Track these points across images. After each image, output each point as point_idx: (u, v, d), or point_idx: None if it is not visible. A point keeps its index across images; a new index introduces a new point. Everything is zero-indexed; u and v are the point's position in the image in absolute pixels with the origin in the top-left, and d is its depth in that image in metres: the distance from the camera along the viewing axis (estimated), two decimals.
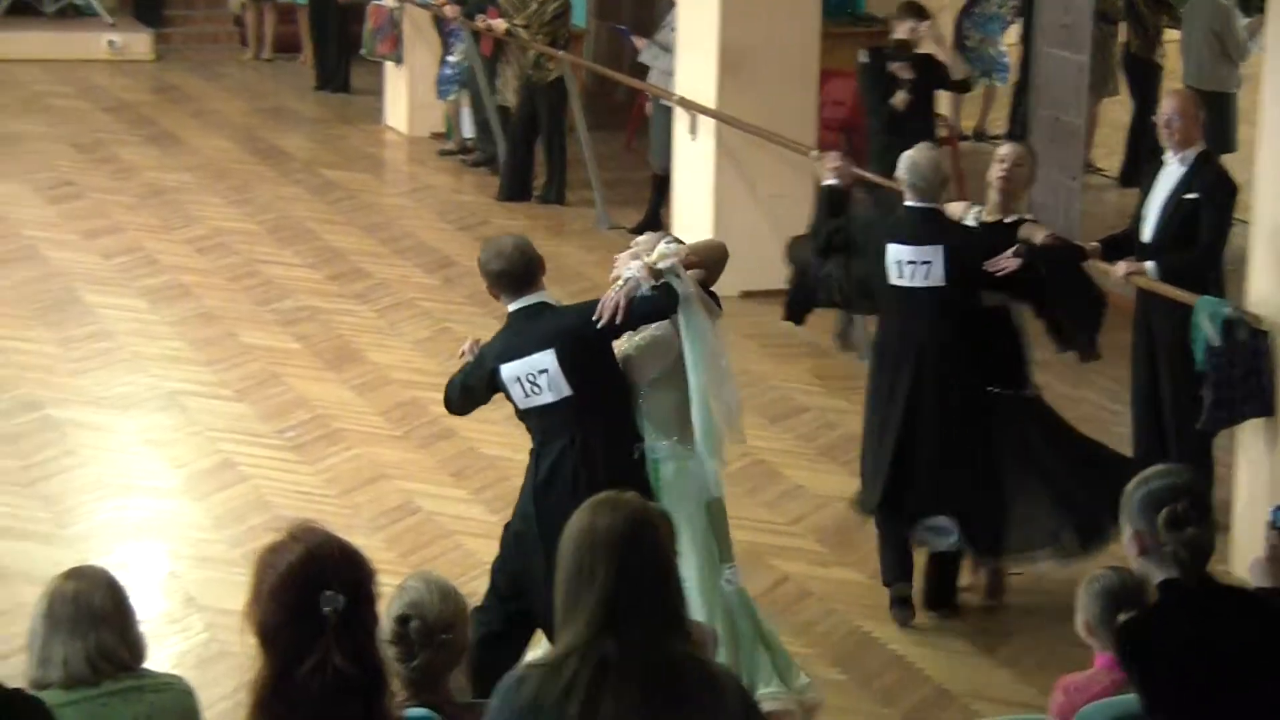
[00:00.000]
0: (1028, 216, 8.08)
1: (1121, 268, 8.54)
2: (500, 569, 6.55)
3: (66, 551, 8.05)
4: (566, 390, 6.23)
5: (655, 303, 6.30)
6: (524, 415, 6.39)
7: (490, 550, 8.16)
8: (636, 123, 15.15)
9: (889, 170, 8.83)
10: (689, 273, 6.40)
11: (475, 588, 7.70)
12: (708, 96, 11.82)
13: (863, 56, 11.13)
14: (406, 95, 15.98)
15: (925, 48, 11.06)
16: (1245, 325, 8.04)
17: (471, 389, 6.52)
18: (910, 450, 7.45)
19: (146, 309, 11.38)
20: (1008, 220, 7.93)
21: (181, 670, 6.30)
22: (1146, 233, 8.60)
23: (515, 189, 14.12)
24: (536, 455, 6.41)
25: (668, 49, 12.95)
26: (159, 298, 11.51)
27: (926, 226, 7.50)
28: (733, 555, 6.74)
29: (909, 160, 7.55)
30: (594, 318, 6.22)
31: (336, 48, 17.58)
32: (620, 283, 6.26)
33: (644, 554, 3.75)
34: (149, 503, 8.73)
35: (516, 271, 6.28)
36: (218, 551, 8.19)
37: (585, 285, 11.98)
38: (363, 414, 9.86)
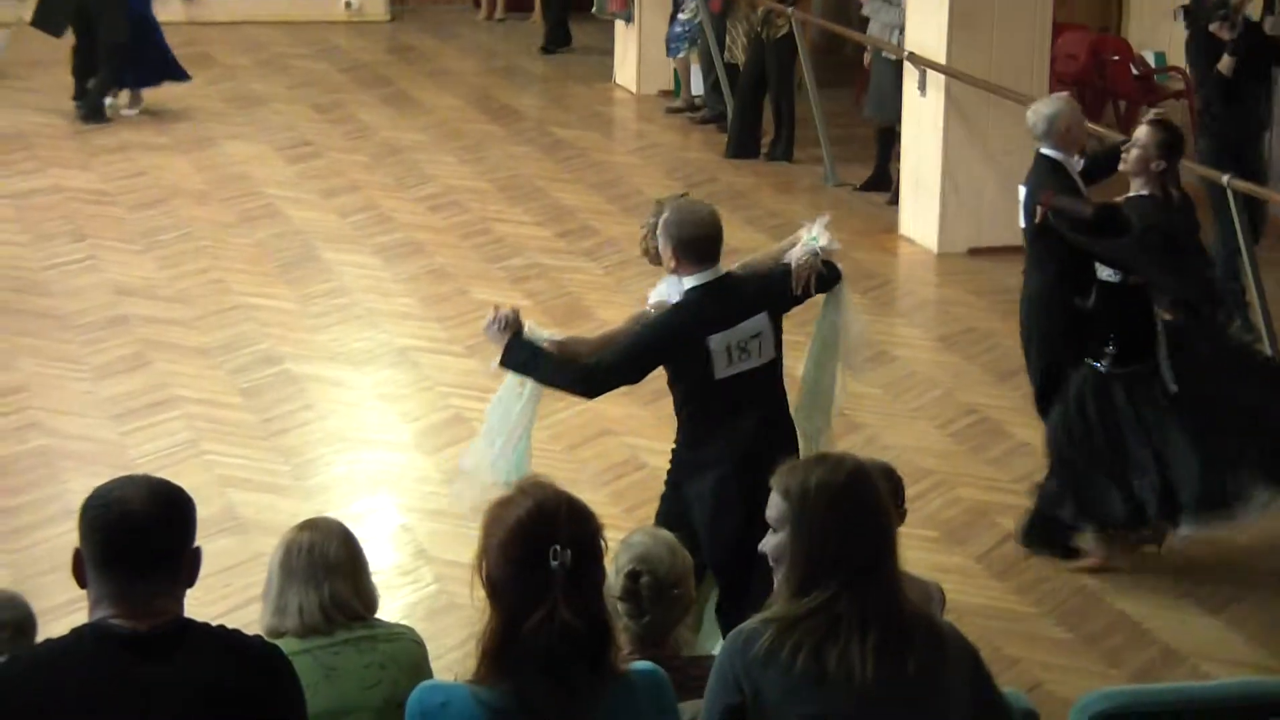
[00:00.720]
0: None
1: None
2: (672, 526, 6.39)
3: (303, 504, 8.23)
4: (773, 353, 6.27)
5: (828, 278, 6.41)
6: (719, 385, 6.21)
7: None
8: (865, 79, 15.07)
9: (1222, 147, 8.60)
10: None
11: None
12: (938, 51, 11.72)
13: (1178, 16, 10.52)
14: (636, 53, 16.06)
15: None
16: None
17: (645, 361, 6.27)
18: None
19: (381, 266, 11.60)
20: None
21: (412, 621, 6.41)
22: None
23: (743, 146, 14.14)
24: (731, 423, 6.24)
25: (891, 1, 12.86)
26: (393, 255, 11.74)
27: None
28: None
29: None
30: (794, 287, 6.30)
31: (559, 6, 17.73)
32: (806, 256, 6.31)
33: (866, 510, 3.79)
34: (382, 456, 8.89)
35: (713, 238, 6.20)
36: (447, 505, 8.23)
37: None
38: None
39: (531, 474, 3.88)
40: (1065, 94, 7.76)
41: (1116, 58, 14.25)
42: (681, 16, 15.13)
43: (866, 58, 13.58)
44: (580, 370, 6.25)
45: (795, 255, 6.32)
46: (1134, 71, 14.29)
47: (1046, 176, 7.71)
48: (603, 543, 3.73)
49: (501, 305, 6.34)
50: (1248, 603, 7.53)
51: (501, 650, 3.63)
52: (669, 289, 6.43)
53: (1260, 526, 8.12)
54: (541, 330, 6.38)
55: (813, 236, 6.35)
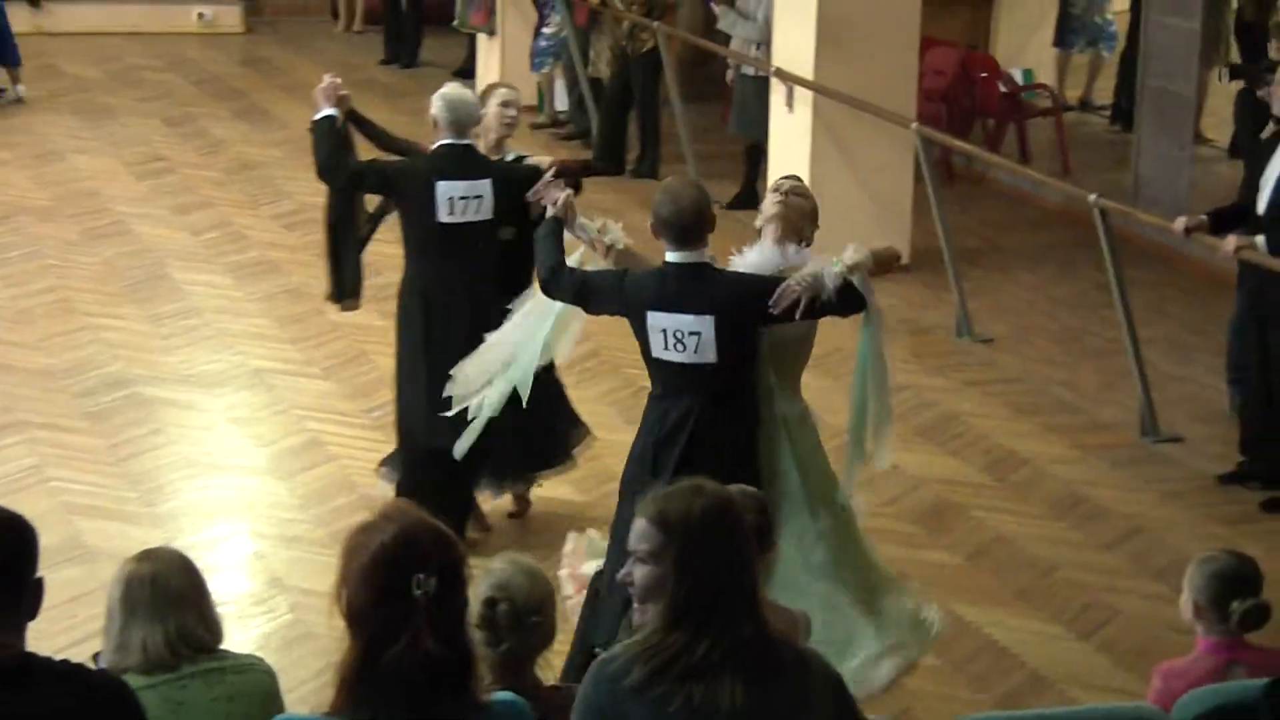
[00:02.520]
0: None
1: (1231, 242, 8.33)
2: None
3: (152, 531, 8.06)
4: (712, 358, 6.16)
5: (839, 306, 6.18)
6: (654, 363, 6.30)
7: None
8: (731, 95, 14.98)
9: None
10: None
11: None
12: (805, 67, 11.63)
13: (1223, 78, 10.12)
14: (499, 67, 15.88)
15: None
16: None
17: (590, 299, 6.42)
18: None
19: (234, 285, 11.37)
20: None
21: (266, 652, 6.31)
22: (1261, 205, 8.37)
23: (608, 162, 13.99)
24: (661, 405, 6.33)
25: (748, 15, 12.78)
26: (246, 274, 11.48)
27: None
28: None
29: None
30: (770, 303, 6.10)
31: (411, 21, 17.51)
32: (805, 277, 6.10)
33: (741, 541, 3.75)
34: (235, 481, 8.68)
35: (686, 223, 6.15)
36: (303, 531, 8.14)
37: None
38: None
39: (395, 499, 3.71)
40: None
41: (985, 75, 14.26)
42: (546, 31, 15.00)
43: (730, 74, 13.49)
44: (548, 268, 6.44)
45: (801, 273, 6.15)
46: (1002, 89, 14.31)
47: None
48: (466, 570, 3.65)
49: (564, 192, 6.61)
50: (1115, 626, 7.50)
51: (360, 680, 3.54)
52: (759, 257, 6.43)
53: (1132, 549, 8.11)
54: (612, 228, 6.66)
55: (837, 261, 6.15)
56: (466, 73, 16.80)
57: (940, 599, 7.59)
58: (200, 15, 18.84)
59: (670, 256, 6.18)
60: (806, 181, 11.46)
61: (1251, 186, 8.58)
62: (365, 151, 8.08)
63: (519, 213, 7.72)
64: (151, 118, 15.42)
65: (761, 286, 6.11)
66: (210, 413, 9.45)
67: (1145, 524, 8.39)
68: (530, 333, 7.03)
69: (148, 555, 4.59)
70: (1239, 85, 10.87)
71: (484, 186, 7.67)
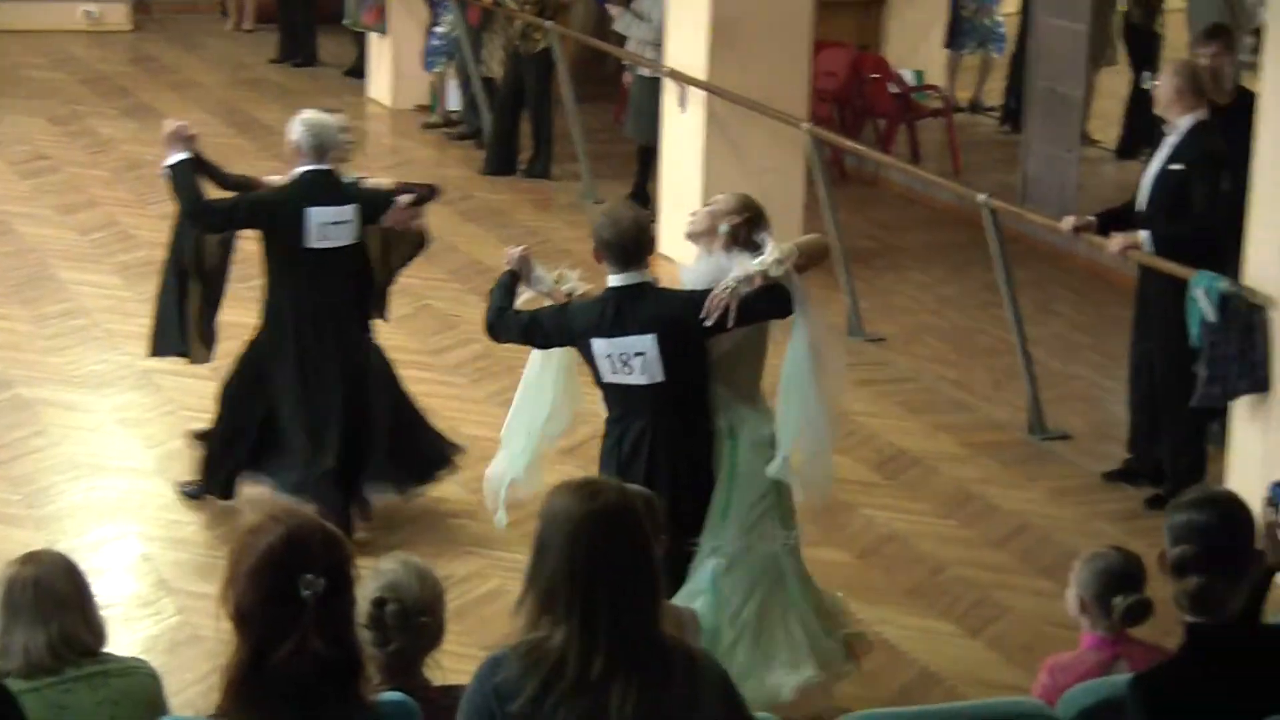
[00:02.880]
0: None
1: (1116, 241, 8.43)
2: None
3: (37, 534, 7.95)
4: (660, 376, 6.23)
5: (768, 308, 6.25)
6: (606, 388, 6.38)
7: (469, 532, 8.10)
8: (626, 96, 14.98)
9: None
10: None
11: (454, 569, 7.62)
12: (698, 68, 11.64)
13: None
14: (390, 67, 15.79)
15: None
16: (1242, 300, 7.88)
17: (536, 336, 6.52)
18: None
19: (121, 285, 11.21)
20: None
21: (153, 654, 6.26)
22: (1141, 202, 8.49)
23: (501, 162, 13.95)
24: (618, 429, 6.40)
25: (643, 17, 12.78)
26: (135, 274, 11.30)
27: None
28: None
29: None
30: (701, 316, 6.16)
31: (304, 18, 17.37)
32: (730, 284, 6.15)
33: (623, 541, 3.70)
34: (121, 483, 8.57)
35: (626, 245, 6.24)
36: (191, 533, 8.06)
37: (571, 261, 11.75)
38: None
39: (283, 501, 3.67)
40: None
41: (876, 75, 14.32)
42: (438, 30, 14.92)
43: (627, 76, 13.47)
44: (495, 312, 6.54)
45: (722, 282, 6.18)
46: (893, 89, 14.38)
47: None
48: (354, 571, 3.63)
49: (521, 247, 6.71)
50: (1004, 623, 7.55)
51: (247, 682, 3.52)
52: (704, 267, 6.42)
53: (1020, 547, 8.17)
54: (569, 275, 6.66)
55: (760, 258, 6.18)
56: (357, 72, 16.71)
57: None
58: (87, 13, 18.59)
59: (612, 280, 6.27)
60: (698, 182, 11.62)
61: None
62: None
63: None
64: (36, 116, 15.20)
65: (696, 299, 6.20)
66: (97, 414, 9.33)
67: (1033, 521, 8.45)
68: (536, 398, 6.84)
69: (30, 558, 4.55)
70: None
71: (349, 212, 7.85)
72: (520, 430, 6.81)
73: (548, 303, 6.65)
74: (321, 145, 7.86)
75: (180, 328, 8.25)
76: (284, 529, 3.55)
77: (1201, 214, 8.28)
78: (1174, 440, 8.52)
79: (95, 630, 4.52)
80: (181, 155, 7.92)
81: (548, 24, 13.48)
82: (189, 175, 7.89)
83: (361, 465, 7.99)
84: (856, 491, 8.68)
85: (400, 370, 8.50)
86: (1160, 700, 4.23)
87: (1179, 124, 8.37)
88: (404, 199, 7.92)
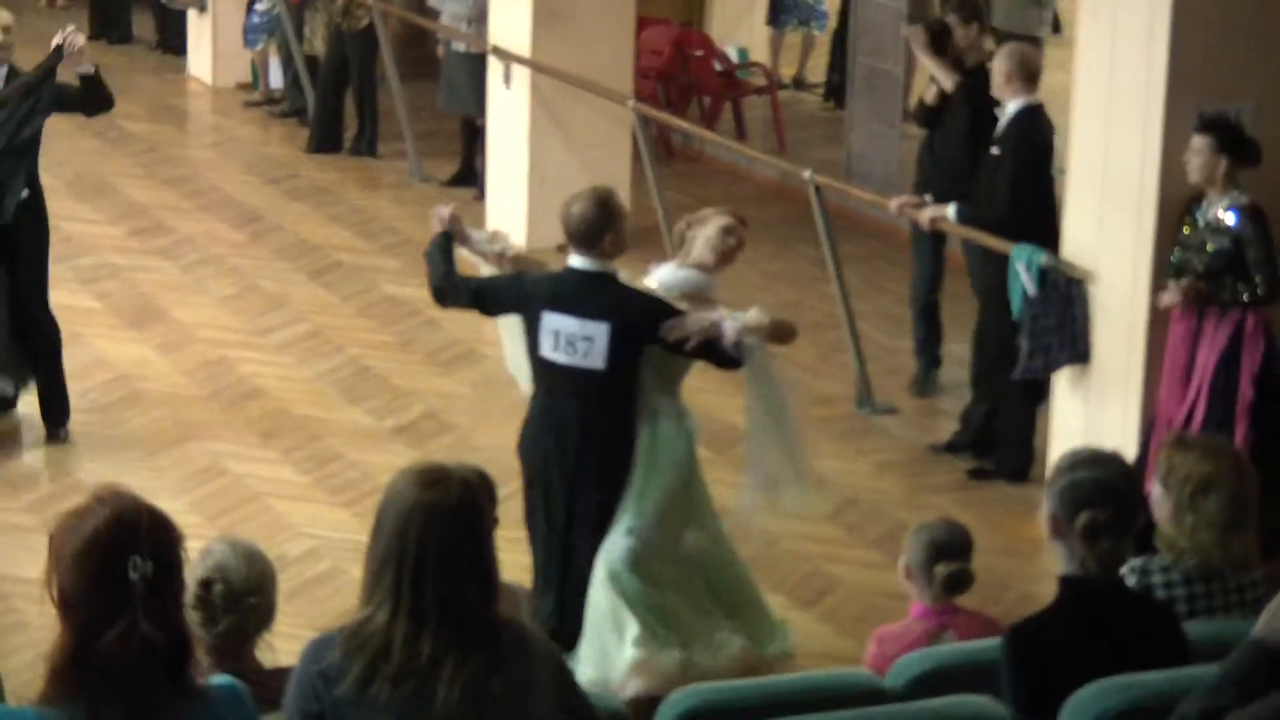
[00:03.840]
0: None
1: (926, 212, 8.58)
2: None
3: None
4: (600, 365, 6.34)
5: (719, 359, 6.46)
6: (540, 362, 6.48)
7: (301, 513, 8.05)
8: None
9: (922, 172, 9.01)
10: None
11: (285, 550, 7.56)
12: (522, 45, 11.61)
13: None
14: (210, 44, 15.57)
15: None
16: (1060, 273, 8.04)
17: (488, 300, 6.65)
18: None
19: None
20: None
21: None
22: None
23: (325, 140, 13.82)
24: (542, 408, 6.54)
25: None
26: None
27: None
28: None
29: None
30: (662, 327, 6.32)
31: None
32: (705, 322, 6.32)
33: (464, 525, 3.70)
34: None
35: (580, 229, 6.39)
36: (13, 518, 7.93)
37: (396, 239, 11.77)
38: (167, 374, 9.57)
39: (108, 483, 3.62)
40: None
41: (700, 53, 14.38)
42: (259, 7, 14.73)
43: (439, 49, 13.41)
44: (440, 276, 6.61)
45: (703, 314, 6.37)
46: (717, 67, 14.44)
47: None
48: (183, 553, 3.58)
49: (449, 206, 6.84)
50: (836, 595, 7.63)
51: (73, 668, 3.45)
52: (670, 277, 6.68)
53: (850, 520, 8.26)
54: (501, 236, 6.89)
55: (743, 316, 6.37)
56: (171, 47, 16.44)
57: None
58: None
59: (573, 261, 6.42)
60: (525, 159, 11.61)
61: (937, 150, 9.23)
62: None
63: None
64: None
65: (660, 308, 6.38)
66: None
67: (862, 494, 8.55)
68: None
69: None
70: None
71: None
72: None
73: (480, 263, 6.79)
74: None
75: None
76: (110, 511, 3.50)
77: (1006, 197, 8.39)
78: (1002, 413, 8.65)
79: None
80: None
81: (370, 0, 13.37)
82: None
83: None
84: None
85: (232, 351, 8.42)
86: (1032, 649, 4.30)
87: (1007, 108, 8.49)
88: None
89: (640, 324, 6.36)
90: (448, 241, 6.72)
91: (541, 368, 6.48)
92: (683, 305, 6.49)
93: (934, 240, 9.42)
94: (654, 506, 6.51)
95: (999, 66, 8.51)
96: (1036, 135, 8.44)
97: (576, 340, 6.34)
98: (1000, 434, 8.67)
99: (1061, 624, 4.33)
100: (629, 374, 6.43)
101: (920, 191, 9.36)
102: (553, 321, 6.37)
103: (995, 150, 8.49)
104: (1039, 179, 8.47)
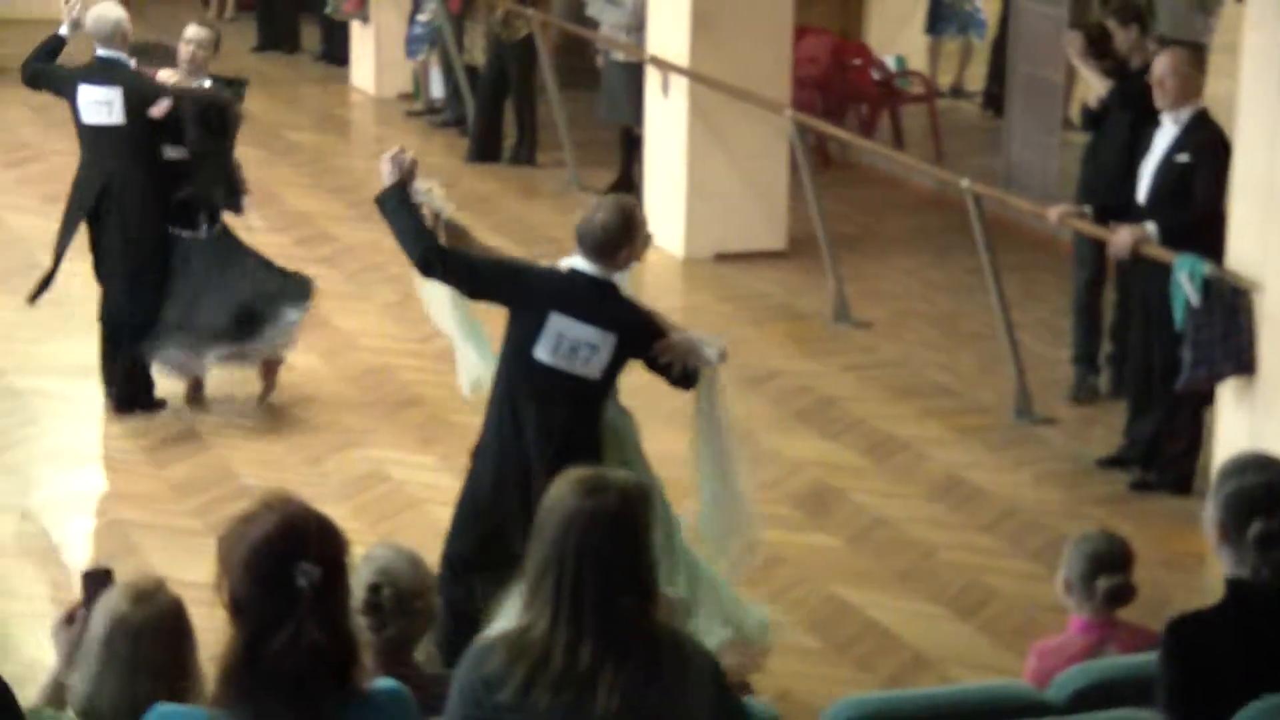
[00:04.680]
0: None
1: (1125, 234, 8.35)
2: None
3: (28, 523, 7.98)
4: (596, 375, 6.19)
5: (685, 380, 6.30)
6: (532, 364, 6.19)
7: None
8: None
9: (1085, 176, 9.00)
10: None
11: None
12: (680, 54, 11.65)
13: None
14: (373, 55, 15.77)
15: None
16: (1224, 283, 7.92)
17: (481, 284, 6.31)
18: None
19: None
20: None
21: None
22: (1141, 195, 8.47)
23: (485, 150, 13.95)
24: (524, 409, 6.25)
25: (616, 3, 12.78)
26: None
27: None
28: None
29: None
30: (654, 345, 6.20)
31: (287, 6, 17.32)
32: (687, 343, 6.24)
33: (624, 534, 3.70)
34: (109, 473, 8.56)
35: (590, 240, 6.15)
36: (180, 522, 8.05)
37: (555, 248, 11.79)
38: (329, 381, 9.70)
39: (276, 489, 3.67)
40: None
41: (858, 62, 14.34)
42: (420, 18, 14.90)
43: (599, 59, 13.49)
44: (431, 243, 6.21)
45: (688, 334, 6.30)
46: (875, 76, 14.40)
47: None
48: (349, 559, 3.61)
49: (407, 150, 6.40)
50: (994, 606, 7.57)
51: (242, 672, 3.49)
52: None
53: (1009, 530, 8.20)
54: (438, 193, 6.42)
55: (711, 344, 6.30)
56: (327, 57, 16.66)
57: (822, 582, 7.67)
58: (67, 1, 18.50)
59: (578, 264, 6.19)
60: (683, 169, 11.65)
61: (1099, 156, 9.17)
62: None
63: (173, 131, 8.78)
64: (18, 106, 15.13)
65: (657, 328, 6.26)
66: (85, 403, 9.30)
67: (1021, 505, 8.48)
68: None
69: (142, 596, 4.12)
70: None
71: (113, 94, 8.82)
72: (471, 338, 6.85)
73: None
74: (100, 33, 8.97)
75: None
76: (278, 517, 3.53)
77: (1204, 204, 8.28)
78: (1168, 425, 8.53)
79: (191, 687, 4.04)
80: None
81: (529, 11, 13.48)
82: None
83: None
84: (846, 477, 8.71)
85: (394, 359, 8.52)
86: (1191, 644, 4.22)
87: (1179, 114, 8.36)
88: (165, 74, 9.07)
89: (640, 339, 6.20)
90: (407, 196, 6.28)
91: (530, 369, 6.18)
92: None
93: (1096, 241, 9.31)
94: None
95: (1174, 75, 8.33)
96: (1221, 137, 8.28)
97: (580, 347, 6.11)
98: (1164, 445, 8.55)
99: (1225, 624, 4.25)
100: (611, 384, 6.32)
101: (1081, 198, 9.28)
102: (559, 324, 6.11)
103: (1184, 157, 8.32)
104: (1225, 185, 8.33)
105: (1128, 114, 9.01)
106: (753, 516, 6.69)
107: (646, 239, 6.40)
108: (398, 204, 6.28)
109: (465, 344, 6.92)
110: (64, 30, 9.26)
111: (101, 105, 8.85)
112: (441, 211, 6.47)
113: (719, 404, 6.47)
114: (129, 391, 9.06)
